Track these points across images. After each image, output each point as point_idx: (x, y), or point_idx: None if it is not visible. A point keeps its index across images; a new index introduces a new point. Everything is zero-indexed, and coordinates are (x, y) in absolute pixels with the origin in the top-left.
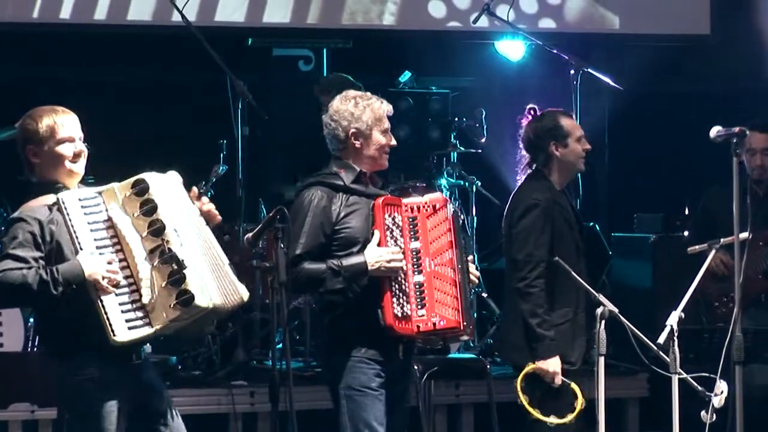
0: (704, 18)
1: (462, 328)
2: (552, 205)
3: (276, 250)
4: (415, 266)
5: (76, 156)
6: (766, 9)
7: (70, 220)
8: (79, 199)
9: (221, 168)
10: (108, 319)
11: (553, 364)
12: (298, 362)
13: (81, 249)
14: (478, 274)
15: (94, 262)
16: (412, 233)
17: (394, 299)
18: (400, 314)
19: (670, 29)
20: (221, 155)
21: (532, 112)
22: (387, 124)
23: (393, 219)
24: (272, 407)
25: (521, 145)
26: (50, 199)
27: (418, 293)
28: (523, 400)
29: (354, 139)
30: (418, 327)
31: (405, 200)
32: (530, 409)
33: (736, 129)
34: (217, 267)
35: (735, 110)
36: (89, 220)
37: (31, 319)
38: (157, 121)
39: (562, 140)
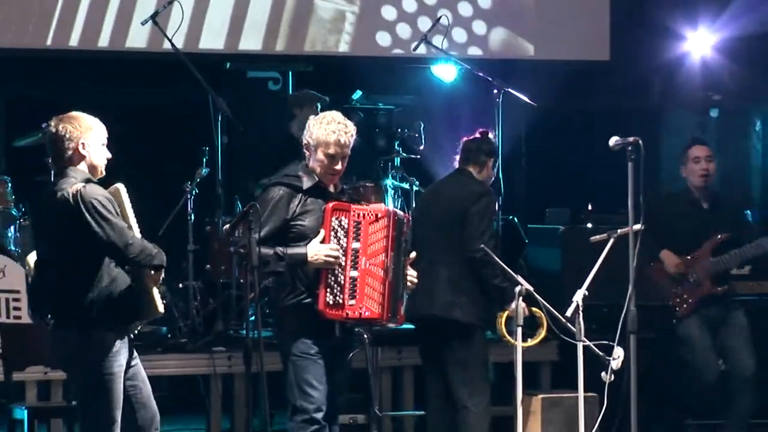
0: (604, 46)
1: (385, 319)
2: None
3: (249, 238)
4: (353, 263)
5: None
6: (655, 39)
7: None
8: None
9: (204, 170)
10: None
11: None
12: (268, 332)
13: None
14: (414, 275)
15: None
16: (354, 235)
17: (329, 289)
18: (332, 302)
19: (575, 55)
20: (204, 159)
21: (485, 132)
22: (333, 150)
23: (340, 222)
24: (246, 369)
25: (462, 146)
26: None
27: (351, 286)
28: (508, 337)
29: (306, 149)
30: (347, 314)
31: (354, 207)
32: (511, 341)
33: (631, 139)
34: None
35: (630, 123)
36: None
37: None
38: (151, 131)
39: (495, 161)
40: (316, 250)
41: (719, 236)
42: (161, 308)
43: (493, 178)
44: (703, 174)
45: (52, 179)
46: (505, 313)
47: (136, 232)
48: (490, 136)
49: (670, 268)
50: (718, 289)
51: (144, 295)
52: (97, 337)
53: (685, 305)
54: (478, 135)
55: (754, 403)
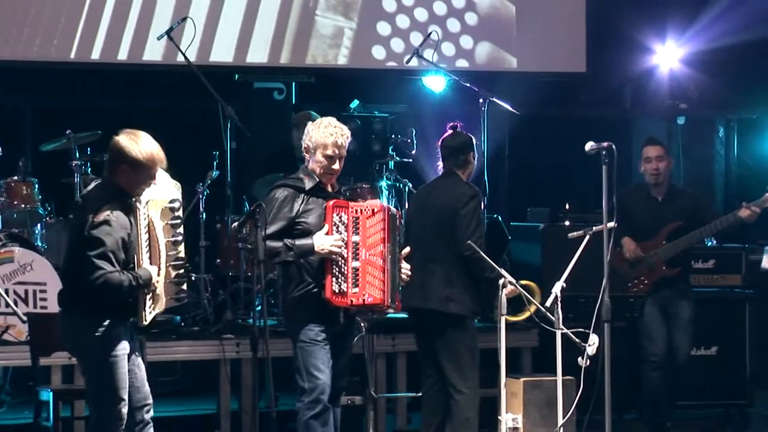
0: (581, 59)
1: (386, 304)
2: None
3: (256, 235)
4: (354, 255)
5: None
6: (627, 52)
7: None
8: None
9: (214, 173)
10: (142, 307)
11: (509, 287)
12: (273, 320)
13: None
14: (408, 268)
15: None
16: (354, 229)
17: (334, 279)
18: (337, 290)
19: (554, 68)
20: (214, 163)
21: (454, 127)
22: (331, 152)
23: (340, 217)
24: (253, 355)
25: (441, 151)
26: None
27: (353, 275)
28: (510, 317)
29: (306, 152)
30: (352, 301)
31: (352, 204)
32: (512, 319)
33: (605, 144)
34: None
35: (604, 130)
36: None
37: None
38: (165, 137)
39: (474, 154)
40: (322, 241)
41: (672, 224)
42: (145, 321)
43: (475, 167)
44: (654, 173)
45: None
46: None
47: (143, 251)
48: (457, 130)
49: (628, 253)
50: (672, 271)
51: (138, 302)
52: (101, 323)
53: (641, 286)
54: (449, 132)
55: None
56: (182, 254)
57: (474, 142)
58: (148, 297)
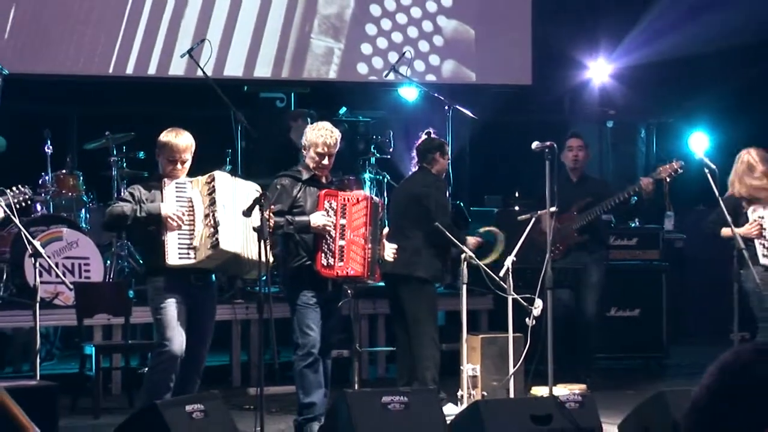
0: (527, 73)
1: (366, 276)
2: (442, 184)
3: (261, 218)
4: (341, 235)
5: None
6: (566, 68)
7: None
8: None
9: (227, 167)
10: (166, 249)
11: (471, 243)
12: (276, 288)
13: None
14: (392, 247)
15: (167, 207)
16: (341, 214)
17: (323, 254)
18: (326, 264)
19: (506, 81)
20: (227, 159)
21: (428, 133)
22: (322, 150)
23: (330, 204)
24: (259, 316)
25: (415, 152)
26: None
27: (340, 252)
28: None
29: (303, 150)
30: (338, 273)
31: (341, 193)
32: (484, 261)
33: (548, 143)
34: (245, 234)
35: (547, 132)
36: (179, 195)
37: (108, 261)
38: None
39: (443, 154)
40: (316, 219)
41: (582, 201)
42: (171, 260)
43: (446, 164)
44: (574, 158)
45: None
46: (469, 251)
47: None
48: (429, 136)
49: (546, 225)
50: (581, 238)
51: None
52: (150, 281)
53: (557, 251)
54: (423, 137)
55: (597, 341)
56: (217, 214)
57: (444, 146)
58: (171, 238)
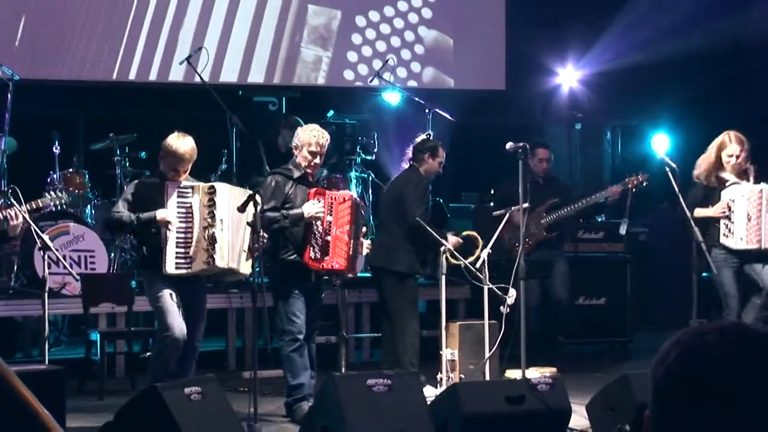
0: (501, 79)
1: (347, 270)
2: (427, 183)
3: (255, 213)
4: (327, 231)
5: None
6: (537, 74)
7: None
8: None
9: (223, 166)
10: (164, 257)
11: (450, 241)
12: (267, 279)
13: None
14: (367, 244)
15: (164, 212)
16: (329, 211)
17: (311, 248)
18: (313, 257)
19: (482, 86)
20: (223, 159)
21: (428, 134)
22: (314, 149)
23: (319, 201)
24: (253, 305)
25: (409, 151)
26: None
27: (326, 247)
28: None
29: (295, 149)
30: (323, 266)
31: (328, 192)
32: (466, 261)
33: (521, 144)
34: (239, 249)
35: (520, 133)
36: (180, 201)
37: (112, 254)
38: None
39: (434, 156)
40: (309, 209)
41: (550, 201)
42: (169, 269)
43: (436, 166)
44: (544, 168)
45: None
46: (450, 248)
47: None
48: (426, 137)
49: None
50: (550, 235)
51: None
52: (146, 275)
53: (526, 246)
54: (423, 137)
55: (566, 327)
56: (215, 229)
57: (436, 148)
58: (170, 247)
